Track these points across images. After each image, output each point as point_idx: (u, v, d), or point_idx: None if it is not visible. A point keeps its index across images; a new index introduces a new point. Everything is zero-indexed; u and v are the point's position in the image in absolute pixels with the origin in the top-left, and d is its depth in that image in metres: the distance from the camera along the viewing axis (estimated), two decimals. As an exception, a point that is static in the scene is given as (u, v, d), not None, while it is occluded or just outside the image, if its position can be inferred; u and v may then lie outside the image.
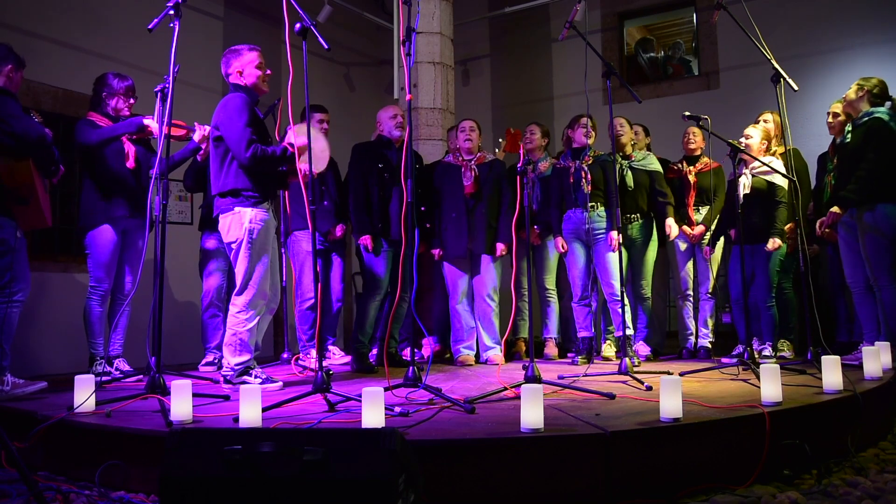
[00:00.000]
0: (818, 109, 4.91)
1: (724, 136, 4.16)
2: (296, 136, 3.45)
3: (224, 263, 4.68)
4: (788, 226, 4.67)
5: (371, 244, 4.45)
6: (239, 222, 3.49)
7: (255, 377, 3.50)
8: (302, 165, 3.36)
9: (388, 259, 4.54)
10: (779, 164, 4.49)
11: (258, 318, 3.54)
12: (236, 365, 3.50)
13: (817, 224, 4.49)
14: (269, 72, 3.68)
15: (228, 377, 3.53)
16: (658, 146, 5.61)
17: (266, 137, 3.68)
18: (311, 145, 3.18)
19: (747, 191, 4.50)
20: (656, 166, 5.00)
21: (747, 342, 4.05)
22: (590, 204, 4.63)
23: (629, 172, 4.87)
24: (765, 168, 4.51)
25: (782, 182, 4.53)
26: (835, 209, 4.14)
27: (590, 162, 4.68)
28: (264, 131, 3.65)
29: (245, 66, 3.60)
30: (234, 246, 3.52)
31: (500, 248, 4.72)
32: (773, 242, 4.47)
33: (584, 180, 4.62)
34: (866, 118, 4.15)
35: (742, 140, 4.54)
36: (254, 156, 3.42)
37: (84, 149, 3.96)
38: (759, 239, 4.53)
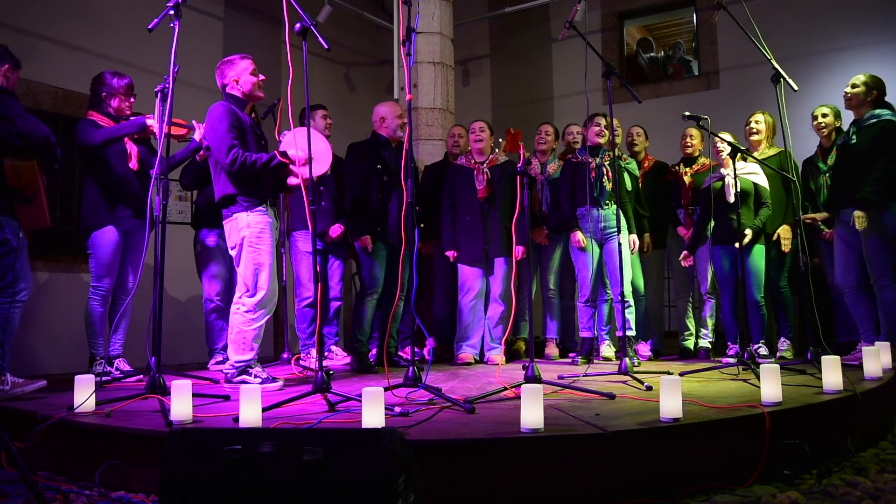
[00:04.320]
0: (818, 109, 4.92)
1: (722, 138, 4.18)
2: (296, 144, 3.44)
3: (225, 263, 4.66)
4: (784, 227, 4.68)
5: (370, 245, 4.44)
6: (236, 228, 3.54)
7: (255, 376, 3.52)
8: (302, 170, 3.36)
9: (384, 259, 4.53)
10: (755, 168, 4.58)
11: (266, 317, 3.57)
12: (237, 362, 3.53)
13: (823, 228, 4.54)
14: (262, 77, 3.71)
15: (229, 375, 3.54)
16: (658, 146, 5.62)
17: (260, 140, 3.68)
18: (312, 146, 3.18)
19: (737, 190, 4.51)
20: (637, 172, 5.05)
21: (742, 342, 4.05)
22: (605, 202, 4.65)
23: (626, 174, 4.88)
24: (749, 168, 4.55)
25: (766, 184, 4.58)
26: (860, 213, 4.09)
27: (608, 161, 4.69)
28: (253, 135, 3.64)
29: (240, 74, 3.64)
30: (233, 252, 3.59)
31: (520, 250, 4.59)
32: (747, 235, 4.43)
33: (605, 177, 4.63)
34: (875, 120, 4.14)
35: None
36: (233, 161, 3.45)
37: (87, 149, 3.94)
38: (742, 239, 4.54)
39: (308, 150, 3.14)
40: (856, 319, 4.36)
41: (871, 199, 4.05)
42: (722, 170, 4.59)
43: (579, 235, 4.74)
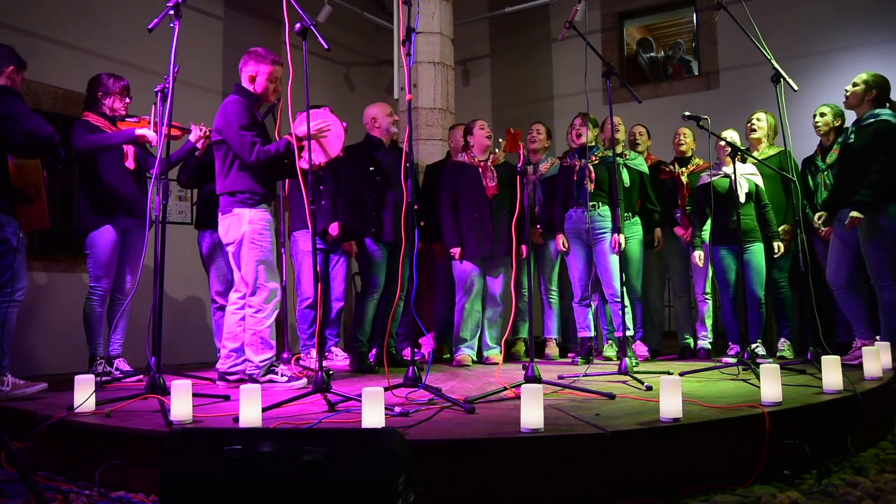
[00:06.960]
0: (818, 109, 4.92)
1: (724, 136, 4.18)
2: (308, 123, 3.45)
3: (228, 262, 4.64)
4: (785, 227, 4.68)
5: (354, 250, 4.46)
6: (237, 224, 3.53)
7: (281, 375, 3.55)
8: (302, 161, 3.37)
9: (383, 259, 4.54)
10: (752, 168, 4.59)
11: (275, 313, 3.59)
12: (261, 362, 3.55)
13: (821, 229, 4.56)
14: (279, 88, 3.70)
15: (254, 375, 3.55)
16: (657, 146, 5.61)
17: (266, 138, 3.69)
18: (328, 130, 3.34)
19: (746, 190, 4.51)
20: (645, 168, 5.04)
21: (742, 342, 4.04)
22: (591, 203, 4.63)
23: (625, 171, 4.86)
24: (750, 168, 4.55)
25: (762, 184, 4.62)
26: (855, 214, 4.10)
27: (596, 162, 4.68)
28: (264, 131, 3.66)
29: (259, 73, 3.64)
30: (231, 248, 3.57)
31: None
32: (779, 247, 4.52)
33: (587, 179, 4.62)
34: (872, 120, 4.14)
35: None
36: (258, 159, 3.48)
37: (77, 153, 3.96)
38: (744, 239, 4.52)
39: (307, 132, 3.21)
40: (848, 317, 4.37)
41: (868, 202, 4.06)
42: (725, 168, 4.57)
43: (560, 238, 4.83)
